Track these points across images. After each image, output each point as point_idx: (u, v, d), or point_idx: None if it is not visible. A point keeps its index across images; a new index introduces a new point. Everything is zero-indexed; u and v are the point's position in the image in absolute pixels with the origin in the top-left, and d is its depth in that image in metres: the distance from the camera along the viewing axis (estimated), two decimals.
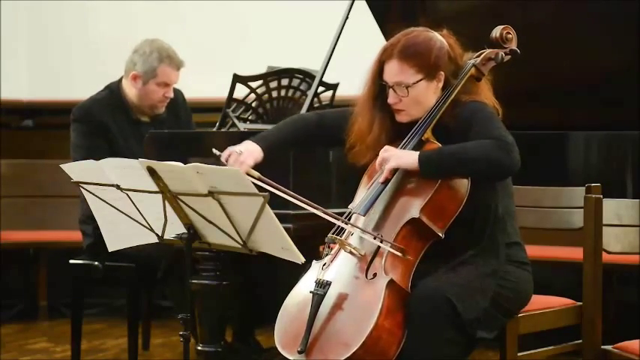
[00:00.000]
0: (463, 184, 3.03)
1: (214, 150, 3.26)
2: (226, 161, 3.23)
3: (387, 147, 3.11)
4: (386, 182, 3.06)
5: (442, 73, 3.14)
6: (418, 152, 3.03)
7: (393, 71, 3.13)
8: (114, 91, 4.45)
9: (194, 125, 4.71)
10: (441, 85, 3.15)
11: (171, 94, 4.44)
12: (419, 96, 3.13)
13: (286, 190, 3.08)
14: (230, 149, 3.27)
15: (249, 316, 4.28)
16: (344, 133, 3.26)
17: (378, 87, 3.19)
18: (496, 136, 2.99)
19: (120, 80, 4.48)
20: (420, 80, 3.12)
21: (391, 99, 3.15)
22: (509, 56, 3.21)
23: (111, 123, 4.35)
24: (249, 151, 3.26)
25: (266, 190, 2.93)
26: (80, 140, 4.34)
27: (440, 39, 3.16)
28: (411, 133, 3.13)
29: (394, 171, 3.07)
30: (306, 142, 3.45)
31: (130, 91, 4.41)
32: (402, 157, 3.05)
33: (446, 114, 3.13)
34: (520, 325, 3.17)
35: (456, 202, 3.02)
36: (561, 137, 3.96)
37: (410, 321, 2.91)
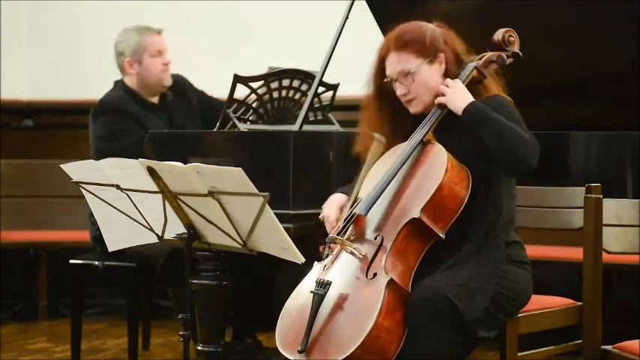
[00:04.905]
0: (464, 185, 3.03)
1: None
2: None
3: (455, 82, 3.11)
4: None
5: (442, 54, 3.16)
6: (471, 101, 3.04)
7: (394, 62, 3.15)
8: (123, 86, 4.51)
9: (209, 98, 4.74)
10: (443, 67, 3.16)
11: (169, 60, 4.50)
12: (425, 80, 3.13)
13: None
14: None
15: (250, 317, 4.28)
16: None
17: (382, 88, 3.18)
18: (531, 136, 3.04)
19: (122, 80, 4.52)
20: (422, 64, 3.13)
21: (399, 91, 3.16)
22: (512, 59, 3.20)
23: (137, 112, 4.40)
24: (330, 203, 3.22)
25: None
26: (110, 129, 4.33)
27: (430, 25, 3.19)
28: (414, 133, 3.12)
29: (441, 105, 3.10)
30: None
31: (133, 79, 4.49)
32: (455, 99, 3.07)
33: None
34: (520, 325, 3.16)
35: (457, 202, 3.01)
36: (561, 137, 3.96)
37: (410, 321, 2.90)
